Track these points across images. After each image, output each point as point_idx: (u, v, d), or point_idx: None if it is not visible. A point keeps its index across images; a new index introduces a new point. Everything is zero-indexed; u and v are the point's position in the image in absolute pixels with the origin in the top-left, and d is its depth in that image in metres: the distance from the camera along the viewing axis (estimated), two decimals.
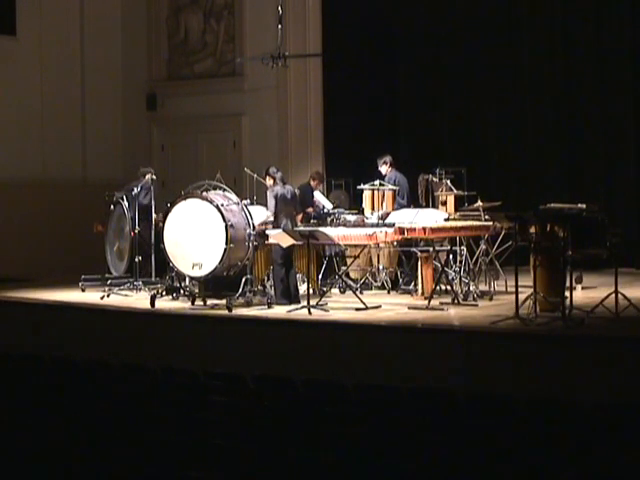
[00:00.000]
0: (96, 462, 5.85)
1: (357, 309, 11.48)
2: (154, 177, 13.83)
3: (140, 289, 13.29)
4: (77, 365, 9.17)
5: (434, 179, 13.00)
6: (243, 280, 11.86)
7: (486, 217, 12.35)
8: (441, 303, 11.72)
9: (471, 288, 12.33)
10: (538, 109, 15.75)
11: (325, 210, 13.56)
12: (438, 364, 9.84)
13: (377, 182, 12.88)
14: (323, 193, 14.55)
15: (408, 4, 16.57)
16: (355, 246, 12.60)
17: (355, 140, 16.52)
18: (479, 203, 12.57)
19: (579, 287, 11.83)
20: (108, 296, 12.97)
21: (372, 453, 5.89)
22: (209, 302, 12.07)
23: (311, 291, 11.74)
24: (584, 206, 11.26)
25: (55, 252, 16.30)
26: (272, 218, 12.11)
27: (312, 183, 13.92)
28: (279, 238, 11.74)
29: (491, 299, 12.27)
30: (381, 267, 13.29)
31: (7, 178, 16.66)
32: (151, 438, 6.17)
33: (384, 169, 13.48)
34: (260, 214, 12.36)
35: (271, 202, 12.09)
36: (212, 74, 17.79)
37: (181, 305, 12.25)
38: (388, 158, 13.50)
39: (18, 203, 16.65)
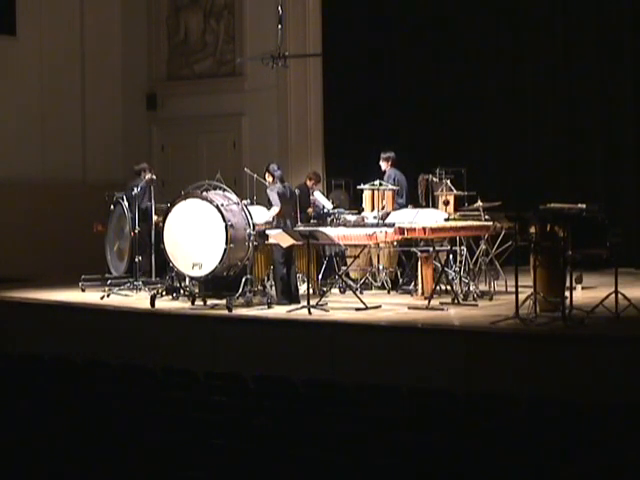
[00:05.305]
0: (96, 462, 5.85)
1: (357, 309, 11.48)
2: (154, 177, 13.82)
3: (140, 289, 13.29)
4: (77, 365, 9.17)
5: (434, 179, 13.00)
6: (243, 280, 11.86)
7: (486, 217, 12.35)
8: (441, 303, 11.72)
9: (471, 288, 12.34)
10: (538, 109, 15.75)
11: (325, 210, 13.55)
12: (438, 364, 9.84)
13: (377, 182, 12.88)
14: (323, 193, 14.55)
15: (408, 4, 16.57)
16: (355, 246, 12.60)
17: (355, 140, 16.52)
18: (479, 203, 12.57)
19: (579, 287, 11.83)
20: (108, 296, 12.98)
21: (372, 453, 5.88)
22: (209, 302, 12.07)
23: (311, 291, 11.74)
24: (584, 206, 11.26)
25: (55, 252, 16.30)
26: (277, 211, 12.07)
27: (308, 183, 13.91)
28: (279, 238, 11.75)
29: (491, 299, 12.27)
30: (381, 267, 13.29)
31: (7, 178, 16.66)
32: (151, 438, 6.17)
33: (384, 165, 13.48)
34: (262, 214, 12.36)
35: (275, 198, 12.07)
36: (212, 74, 17.80)
37: (181, 305, 12.25)
38: (391, 155, 13.49)
39: (18, 203, 16.64)
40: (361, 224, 12.44)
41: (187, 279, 12.40)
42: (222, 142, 17.54)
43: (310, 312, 11.27)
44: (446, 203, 12.76)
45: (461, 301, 11.91)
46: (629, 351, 9.31)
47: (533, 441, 6.13)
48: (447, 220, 12.29)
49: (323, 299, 11.75)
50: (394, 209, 12.81)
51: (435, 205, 12.93)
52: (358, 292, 12.35)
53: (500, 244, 12.98)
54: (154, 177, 13.82)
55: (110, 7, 18.19)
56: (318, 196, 13.93)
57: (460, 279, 12.41)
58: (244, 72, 17.32)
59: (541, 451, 5.87)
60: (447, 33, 16.24)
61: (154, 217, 13.44)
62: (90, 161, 17.79)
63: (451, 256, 12.63)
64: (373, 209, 12.72)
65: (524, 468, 5.62)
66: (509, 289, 12.14)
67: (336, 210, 13.38)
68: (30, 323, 12.75)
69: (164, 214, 12.24)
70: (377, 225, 12.12)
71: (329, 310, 11.42)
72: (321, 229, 11.91)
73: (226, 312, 11.60)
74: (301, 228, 12.20)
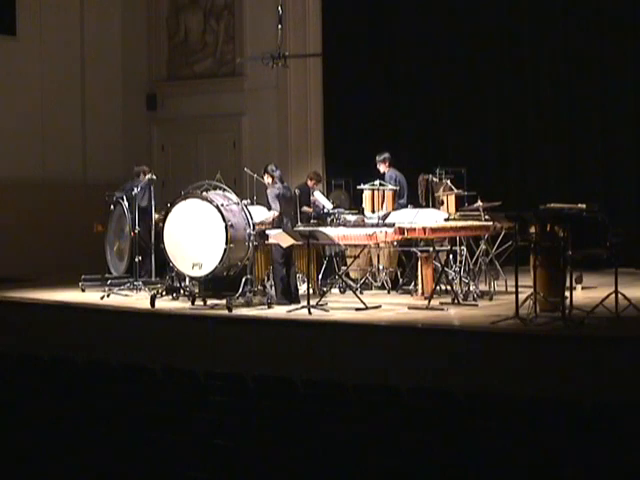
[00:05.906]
0: (96, 462, 5.85)
1: (357, 309, 11.48)
2: (154, 177, 13.84)
3: (140, 289, 13.29)
4: (77, 365, 9.17)
5: (434, 179, 13.00)
6: (243, 280, 11.86)
7: (486, 217, 12.34)
8: (441, 303, 11.72)
9: (471, 288, 12.33)
10: (538, 109, 15.75)
11: (325, 210, 13.55)
12: (438, 364, 9.84)
13: (377, 182, 12.87)
14: (323, 193, 14.55)
15: (408, 4, 16.57)
16: (355, 246, 12.60)
17: (355, 140, 16.52)
18: (479, 203, 12.57)
19: (579, 287, 11.83)
20: (108, 296, 12.97)
21: (372, 453, 5.88)
22: (209, 302, 12.06)
23: (311, 291, 11.74)
24: (584, 206, 11.26)
25: (55, 252, 16.30)
26: (275, 216, 12.10)
27: (309, 183, 13.90)
28: (279, 238, 11.75)
29: (491, 299, 12.27)
30: (381, 267, 13.29)
31: (7, 178, 16.66)
32: (151, 438, 6.17)
33: (382, 167, 13.47)
34: (261, 213, 12.36)
35: (275, 202, 12.09)
36: (212, 74, 17.80)
37: (181, 305, 12.25)
38: (387, 156, 13.48)
39: (18, 203, 16.65)
40: (361, 224, 12.43)
41: (187, 279, 12.39)
42: (222, 142, 17.54)
43: (310, 312, 11.26)
44: (441, 203, 12.76)
45: (461, 301, 11.91)
46: (629, 351, 9.31)
47: (533, 441, 6.13)
48: (447, 220, 12.29)
49: (323, 299, 11.75)
50: (395, 209, 12.81)
51: (435, 205, 12.94)
52: (358, 292, 12.35)
53: (500, 244, 12.98)
54: (154, 177, 13.83)
55: (110, 7, 18.19)
56: (318, 196, 13.93)
57: (460, 279, 12.41)
58: (244, 72, 17.32)
59: (541, 451, 5.87)
60: (447, 33, 16.24)
61: (154, 217, 13.44)
62: (90, 161, 17.79)
63: (451, 256, 12.63)
64: (373, 209, 12.71)
65: (524, 468, 5.62)
66: (509, 289, 12.14)
67: (336, 210, 13.38)
68: (30, 323, 12.75)
69: (164, 214, 12.25)
70: (377, 225, 12.12)
71: (329, 310, 11.42)
72: (321, 229, 11.91)
73: (226, 312, 11.60)
74: (301, 228, 12.20)
